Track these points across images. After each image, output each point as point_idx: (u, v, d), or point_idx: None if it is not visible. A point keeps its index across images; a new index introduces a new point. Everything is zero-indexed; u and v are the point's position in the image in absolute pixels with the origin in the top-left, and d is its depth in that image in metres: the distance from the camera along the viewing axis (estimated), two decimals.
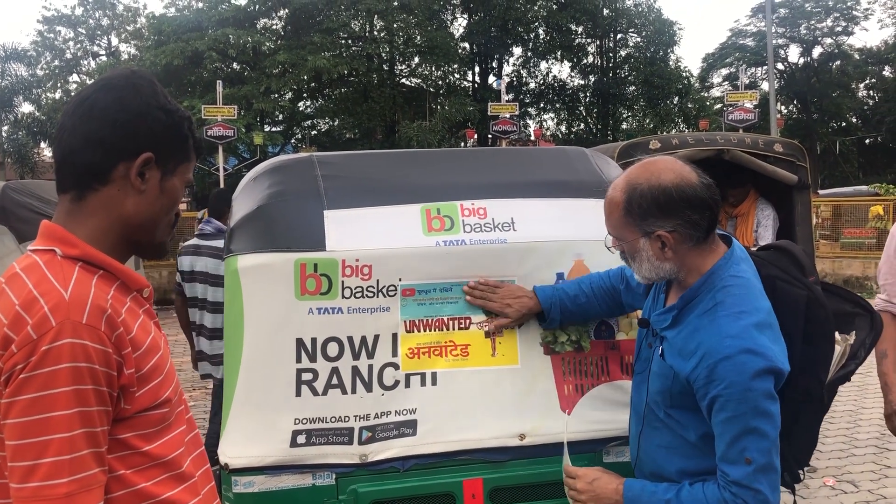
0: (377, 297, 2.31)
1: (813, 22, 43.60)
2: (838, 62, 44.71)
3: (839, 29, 43.74)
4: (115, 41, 34.73)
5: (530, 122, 38.57)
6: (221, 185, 20.05)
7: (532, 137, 31.77)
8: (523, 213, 2.47)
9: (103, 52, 34.26)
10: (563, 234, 2.47)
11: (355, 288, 2.28)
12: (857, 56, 45.08)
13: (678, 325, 1.90)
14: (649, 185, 1.84)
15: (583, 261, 2.47)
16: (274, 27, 32.53)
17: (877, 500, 4.73)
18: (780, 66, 43.96)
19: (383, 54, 32.95)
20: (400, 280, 2.32)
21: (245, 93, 27.90)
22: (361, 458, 2.27)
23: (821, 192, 28.04)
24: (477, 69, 37.53)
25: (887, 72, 42.88)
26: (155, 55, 27.12)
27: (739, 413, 1.73)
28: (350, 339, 2.29)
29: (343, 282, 2.28)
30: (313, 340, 2.27)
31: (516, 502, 2.35)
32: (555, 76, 39.96)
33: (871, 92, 45.29)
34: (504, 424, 2.37)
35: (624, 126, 38.06)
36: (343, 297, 2.28)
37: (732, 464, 1.76)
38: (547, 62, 38.37)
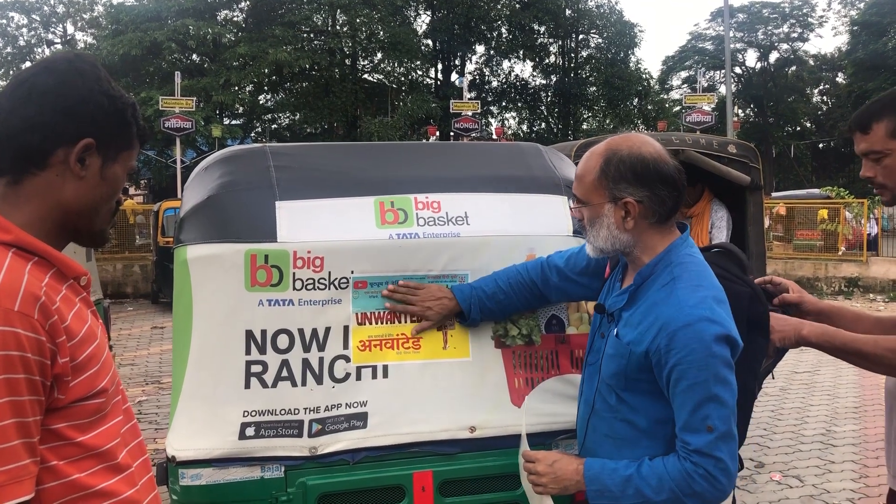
0: (329, 289, 2.30)
1: (770, 27, 44.47)
2: (794, 67, 45.66)
3: (795, 35, 44.68)
4: (70, 29, 34.03)
5: (492, 120, 38.73)
6: (179, 178, 19.78)
7: (494, 136, 31.90)
8: (477, 208, 2.48)
9: (58, 41, 33.51)
10: (516, 228, 2.48)
11: (307, 280, 2.27)
12: (811, 62, 46.11)
13: (635, 303, 1.92)
14: (630, 152, 1.87)
15: (535, 255, 2.48)
16: (235, 19, 32.18)
17: (820, 493, 4.85)
18: (737, 70, 44.75)
19: (346, 49, 32.80)
20: (352, 272, 2.31)
21: (204, 85, 27.55)
22: (311, 450, 2.25)
23: (774, 194, 28.61)
24: (440, 66, 37.56)
25: (840, 78, 43.87)
26: (112, 45, 26.62)
27: (700, 380, 1.74)
28: (301, 331, 2.28)
29: (294, 273, 2.26)
30: (263, 332, 2.25)
31: (466, 495, 2.35)
32: (517, 75, 40.23)
33: (824, 97, 46.37)
34: (455, 417, 2.38)
35: (584, 126, 38.42)
36: (294, 288, 2.26)
37: (694, 432, 1.77)
38: (509, 61, 38.59)
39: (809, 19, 44.01)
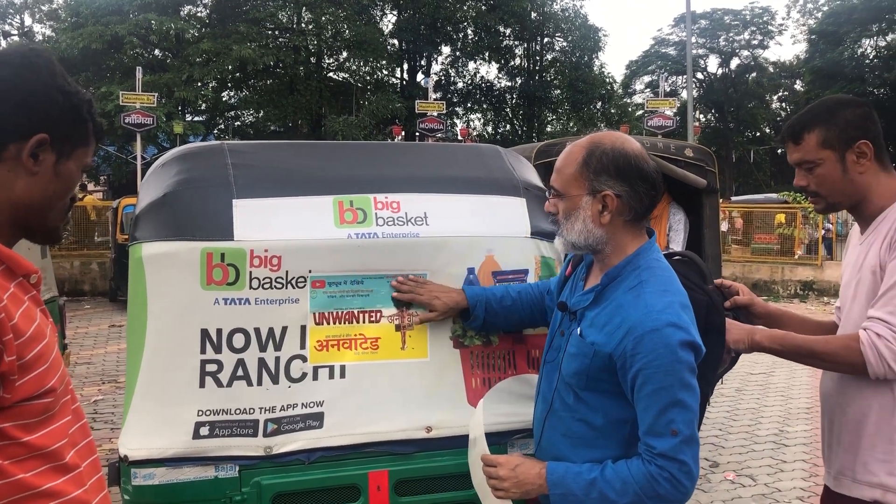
0: (286, 288, 2.29)
1: (731, 34, 45.19)
2: (754, 74, 46.46)
3: (755, 42, 45.47)
4: (28, 21, 33.31)
5: (457, 121, 38.79)
6: (139, 175, 19.51)
7: (459, 137, 31.95)
8: (436, 208, 2.49)
9: (15, 32, 32.79)
10: (475, 229, 2.50)
11: (263, 279, 2.26)
12: (771, 69, 46.96)
13: (601, 303, 1.93)
14: (613, 146, 1.90)
15: (493, 256, 2.50)
16: (198, 14, 31.81)
17: (772, 492, 4.95)
18: (699, 75, 45.39)
19: (311, 47, 32.60)
20: (310, 272, 2.31)
21: (166, 80, 27.19)
22: (266, 450, 2.25)
23: (734, 198, 29.07)
24: (405, 66, 37.52)
25: (798, 85, 44.73)
26: (72, 38, 26.14)
27: (666, 385, 1.76)
28: (257, 330, 2.27)
29: (251, 272, 2.25)
30: (219, 331, 2.24)
31: (421, 494, 2.36)
32: (482, 77, 40.31)
33: (783, 104, 47.23)
34: (411, 417, 2.38)
35: (549, 129, 38.65)
36: (251, 287, 2.25)
37: (659, 436, 1.78)
38: (475, 62, 38.67)
39: (769, 27, 44.83)
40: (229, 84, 32.50)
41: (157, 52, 30.59)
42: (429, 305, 2.38)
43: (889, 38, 36.86)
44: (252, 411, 2.25)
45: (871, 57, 37.54)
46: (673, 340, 1.76)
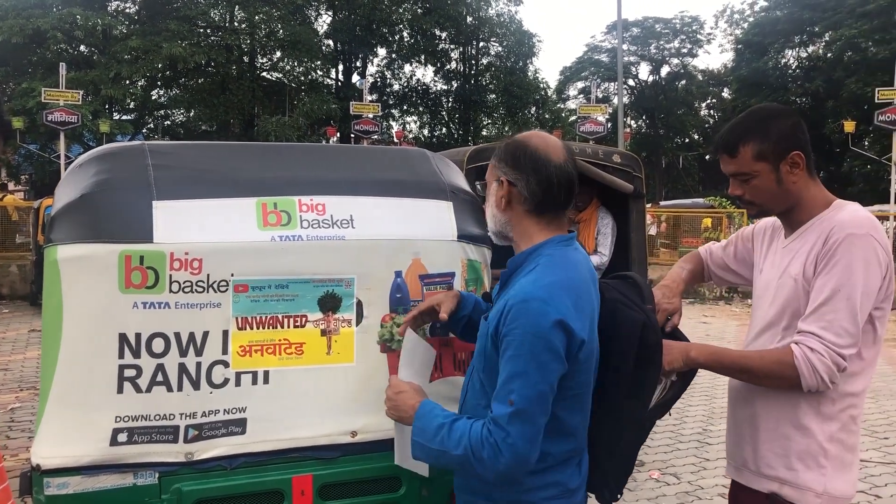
0: (207, 292, 2.25)
1: (662, 42, 46.32)
2: (683, 81, 47.69)
3: (685, 51, 46.70)
4: None
5: (393, 123, 38.75)
6: (62, 175, 18.86)
7: (394, 139, 31.91)
8: (362, 211, 2.48)
9: None
10: (402, 232, 2.50)
11: (184, 282, 2.22)
12: (700, 77, 48.27)
13: (505, 288, 1.99)
14: (519, 140, 2.00)
15: (420, 259, 2.51)
16: (127, 11, 31.01)
17: (695, 490, 5.08)
18: (630, 82, 46.38)
19: (244, 46, 32.11)
20: (232, 275, 2.27)
21: (93, 77, 26.43)
22: (187, 456, 2.21)
23: (662, 202, 29.77)
24: (341, 67, 37.31)
25: (726, 93, 46.10)
26: None
27: (518, 354, 1.79)
28: (177, 335, 2.22)
29: (171, 275, 2.20)
30: (137, 336, 2.19)
31: (346, 498, 2.36)
32: (418, 79, 40.46)
33: (711, 111, 48.60)
34: (336, 422, 2.38)
35: (484, 132, 38.91)
36: (171, 291, 2.21)
37: (497, 402, 1.82)
38: (411, 65, 38.69)
39: (698, 36, 46.11)
40: (159, 82, 31.77)
41: (82, 48, 29.72)
42: (436, 304, 2.31)
43: (810, 49, 38.31)
44: (172, 417, 2.21)
45: (793, 67, 38.95)
46: (535, 313, 1.79)
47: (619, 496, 2.08)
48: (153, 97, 32.30)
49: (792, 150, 2.06)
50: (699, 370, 2.14)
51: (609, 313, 2.01)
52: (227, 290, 2.27)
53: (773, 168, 2.07)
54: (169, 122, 33.84)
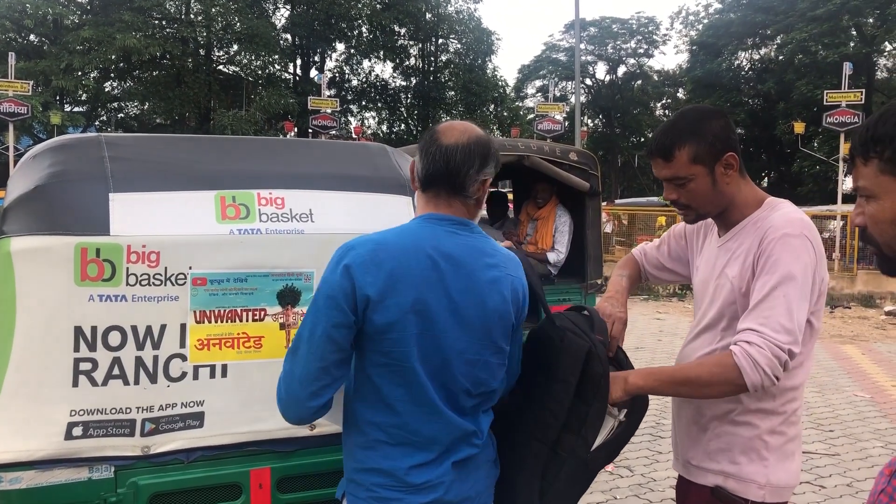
0: (165, 285, 2.23)
1: (619, 42, 46.88)
2: (639, 81, 48.33)
3: (641, 51, 47.34)
4: None
5: (352, 119, 38.60)
6: (11, 167, 18.45)
7: (353, 135, 31.78)
8: (322, 205, 2.49)
9: None
10: (362, 227, 2.49)
11: (141, 275, 2.20)
12: (655, 77, 48.94)
13: None
14: (433, 129, 2.03)
15: None
16: (78, 0, 30.35)
17: (648, 482, 5.18)
18: (588, 81, 46.83)
19: (200, 39, 31.70)
20: (190, 268, 2.26)
21: (43, 68, 25.87)
22: (143, 450, 2.20)
23: (618, 201, 30.14)
24: (299, 62, 37.04)
25: (681, 94, 46.80)
26: None
27: (314, 297, 1.88)
28: (134, 328, 2.21)
29: (128, 268, 2.19)
30: (93, 329, 2.16)
31: (305, 491, 2.37)
32: (377, 75, 40.30)
33: (666, 111, 49.25)
34: None
35: None
36: (128, 284, 2.19)
37: None
38: (370, 61, 38.59)
39: (654, 37, 46.76)
40: (112, 74, 31.22)
41: (32, 37, 29.02)
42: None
43: (762, 51, 39.09)
44: (129, 411, 2.20)
45: (746, 69, 39.71)
46: (335, 257, 1.87)
47: None
48: (106, 89, 31.72)
49: (726, 151, 2.07)
50: (648, 408, 2.10)
51: (558, 340, 2.04)
52: (184, 283, 2.26)
53: (709, 171, 2.07)
54: (123, 115, 33.25)
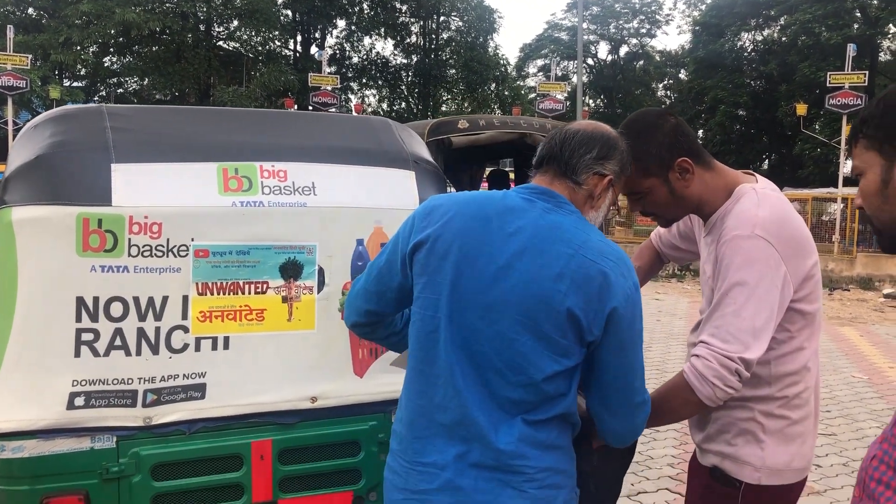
0: (167, 256, 2.23)
1: (621, 22, 46.54)
2: (641, 62, 48.04)
3: (644, 31, 47.02)
4: None
5: (352, 96, 38.40)
6: (10, 141, 18.39)
7: (353, 112, 31.66)
8: (324, 178, 2.48)
9: None
10: (364, 200, 2.51)
11: (143, 246, 2.20)
12: (657, 58, 48.65)
13: None
14: None
15: (382, 228, 2.52)
16: None
17: (645, 459, 5.20)
18: (590, 61, 46.58)
19: (200, 14, 31.44)
20: (192, 240, 2.26)
21: (41, 42, 25.72)
22: (145, 420, 2.21)
23: None
24: (299, 38, 36.78)
25: (683, 74, 46.56)
26: None
27: None
28: (136, 299, 2.21)
29: (130, 239, 2.18)
30: (95, 300, 2.17)
31: (306, 462, 2.38)
32: (378, 52, 40.05)
33: (668, 92, 49.04)
34: (296, 388, 2.39)
35: (444, 108, 38.82)
36: (129, 255, 2.19)
37: None
38: (371, 38, 38.31)
39: (657, 17, 46.41)
40: (112, 49, 31.01)
41: (30, 10, 28.81)
42: None
43: (766, 33, 38.83)
44: (130, 381, 2.20)
45: (749, 50, 39.44)
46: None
47: None
48: (105, 64, 31.52)
49: (676, 158, 2.03)
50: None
51: None
52: (187, 255, 2.26)
53: (663, 181, 2.04)
54: (122, 91, 33.06)
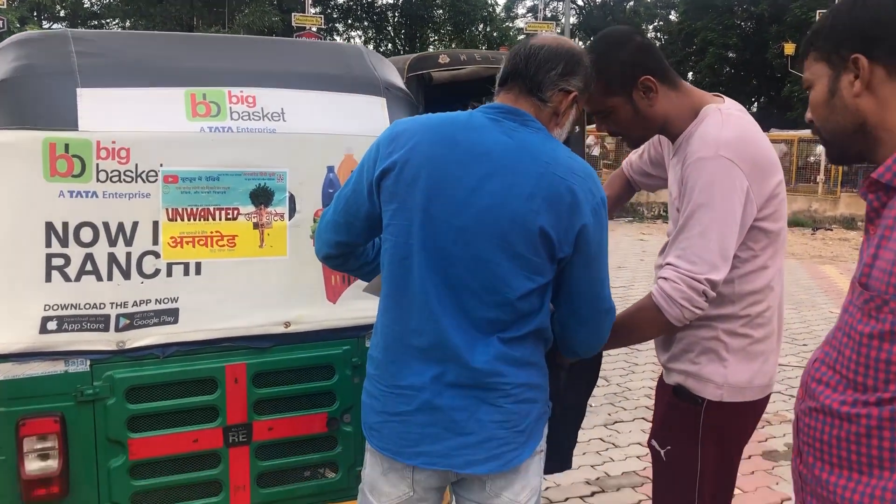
0: (136, 182, 2.23)
1: None
2: (632, 2, 47.34)
3: None
4: None
5: (337, 37, 37.79)
6: None
7: None
8: (294, 104, 2.46)
9: None
10: (334, 127, 2.49)
11: (111, 171, 2.19)
12: None
13: None
14: None
15: (353, 155, 2.51)
16: None
17: (623, 391, 5.31)
18: (579, 1, 45.87)
19: None
20: (161, 166, 2.25)
21: None
22: (118, 344, 2.23)
23: None
24: None
25: (673, 16, 45.98)
26: None
27: None
28: (106, 224, 2.21)
29: (98, 164, 2.17)
30: (65, 224, 2.16)
31: (280, 386, 2.42)
32: None
33: (658, 34, 48.41)
34: (269, 313, 2.41)
35: (431, 49, 38.26)
36: (98, 180, 2.18)
37: None
38: None
39: None
40: None
41: None
42: None
43: None
44: (102, 306, 2.22)
45: None
46: None
47: None
48: (85, 5, 30.85)
49: (639, 76, 2.03)
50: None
51: None
52: (156, 180, 2.25)
53: (627, 99, 2.05)
54: None
